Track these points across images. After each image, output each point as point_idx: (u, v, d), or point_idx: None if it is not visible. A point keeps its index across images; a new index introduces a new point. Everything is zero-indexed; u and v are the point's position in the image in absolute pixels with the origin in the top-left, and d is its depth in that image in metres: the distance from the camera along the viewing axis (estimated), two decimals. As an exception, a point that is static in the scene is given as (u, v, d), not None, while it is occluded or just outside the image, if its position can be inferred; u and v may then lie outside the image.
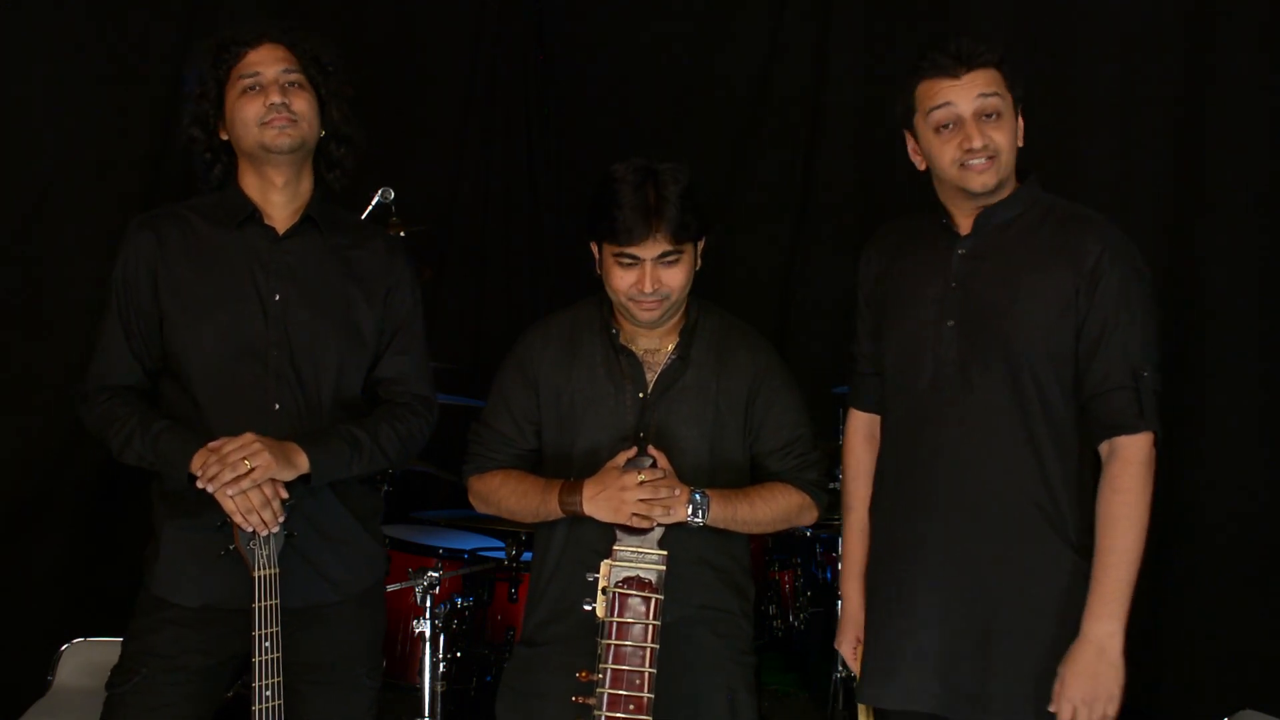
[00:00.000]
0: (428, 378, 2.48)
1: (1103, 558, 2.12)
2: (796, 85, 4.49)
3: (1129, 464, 2.12)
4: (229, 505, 2.14)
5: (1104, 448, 2.16)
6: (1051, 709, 2.13)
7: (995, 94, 2.16)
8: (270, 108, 2.26)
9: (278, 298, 2.31)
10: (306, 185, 2.38)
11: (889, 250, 2.40)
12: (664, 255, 2.34)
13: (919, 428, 2.26)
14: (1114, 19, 3.70)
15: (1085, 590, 2.14)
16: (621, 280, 2.36)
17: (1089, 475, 2.19)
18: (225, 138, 2.34)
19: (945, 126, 2.19)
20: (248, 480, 2.13)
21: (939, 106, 2.18)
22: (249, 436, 2.17)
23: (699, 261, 2.44)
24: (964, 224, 2.26)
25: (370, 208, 3.40)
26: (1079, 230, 2.18)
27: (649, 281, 2.33)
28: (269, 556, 2.17)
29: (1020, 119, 2.23)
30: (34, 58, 3.51)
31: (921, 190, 4.47)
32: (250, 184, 2.35)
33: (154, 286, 2.30)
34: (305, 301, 2.32)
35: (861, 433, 2.47)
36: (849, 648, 2.44)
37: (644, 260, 2.34)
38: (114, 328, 2.32)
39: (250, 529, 2.16)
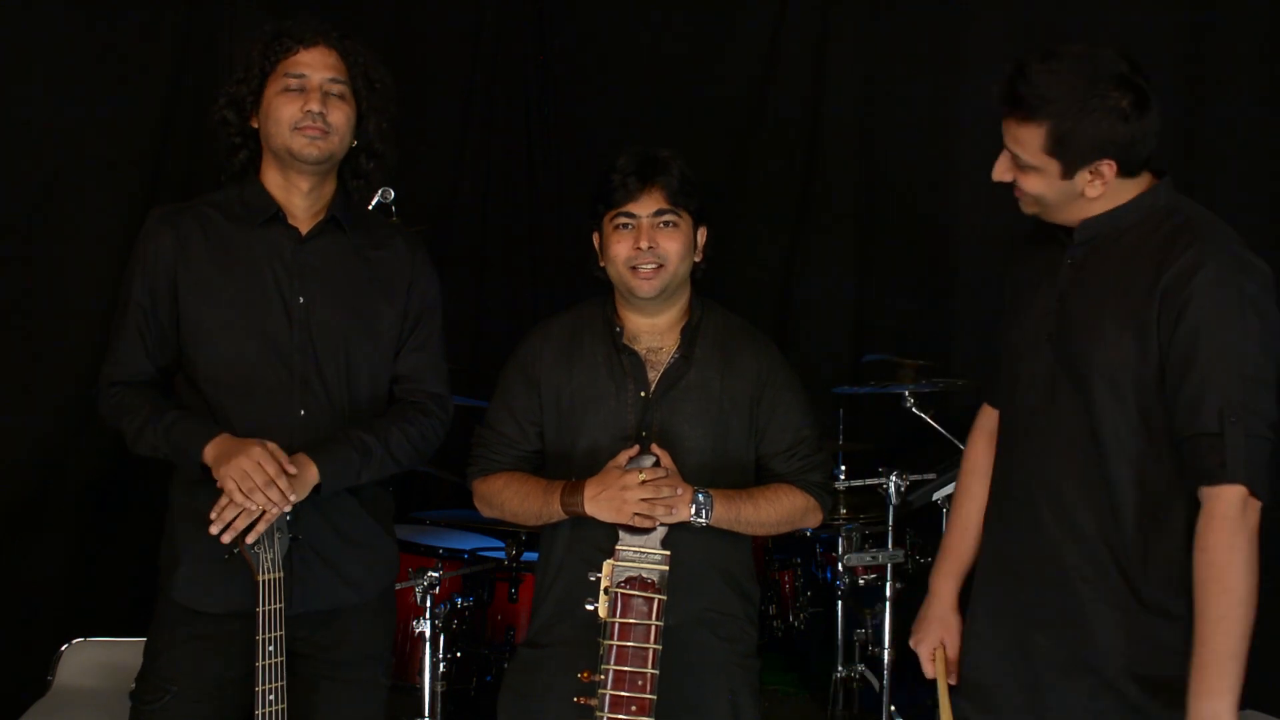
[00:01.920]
0: (443, 375, 2.45)
1: (1197, 626, 1.86)
2: (797, 86, 4.49)
3: (1212, 518, 1.86)
4: (239, 498, 2.11)
5: (1200, 496, 1.90)
6: None
7: None
8: (306, 114, 2.23)
9: (301, 300, 2.29)
10: (330, 187, 2.36)
11: (1026, 250, 2.22)
12: (660, 214, 2.37)
13: (1013, 441, 2.15)
14: (1113, 24, 3.70)
15: (1139, 650, 1.96)
16: (620, 246, 2.38)
17: (1181, 523, 1.94)
18: (256, 126, 2.31)
19: None
20: (275, 510, 2.12)
21: None
22: (269, 464, 2.13)
23: (699, 253, 2.45)
24: (1075, 231, 2.08)
25: (370, 207, 3.39)
26: (1181, 246, 1.92)
27: (645, 238, 2.35)
28: (274, 560, 2.14)
29: None
30: (34, 56, 3.49)
31: (918, 193, 4.46)
32: (273, 181, 2.32)
33: (173, 289, 2.27)
34: (329, 304, 2.31)
35: (985, 428, 2.30)
36: (927, 648, 2.27)
37: (640, 219, 2.37)
38: (130, 328, 2.28)
39: (259, 510, 2.11)
